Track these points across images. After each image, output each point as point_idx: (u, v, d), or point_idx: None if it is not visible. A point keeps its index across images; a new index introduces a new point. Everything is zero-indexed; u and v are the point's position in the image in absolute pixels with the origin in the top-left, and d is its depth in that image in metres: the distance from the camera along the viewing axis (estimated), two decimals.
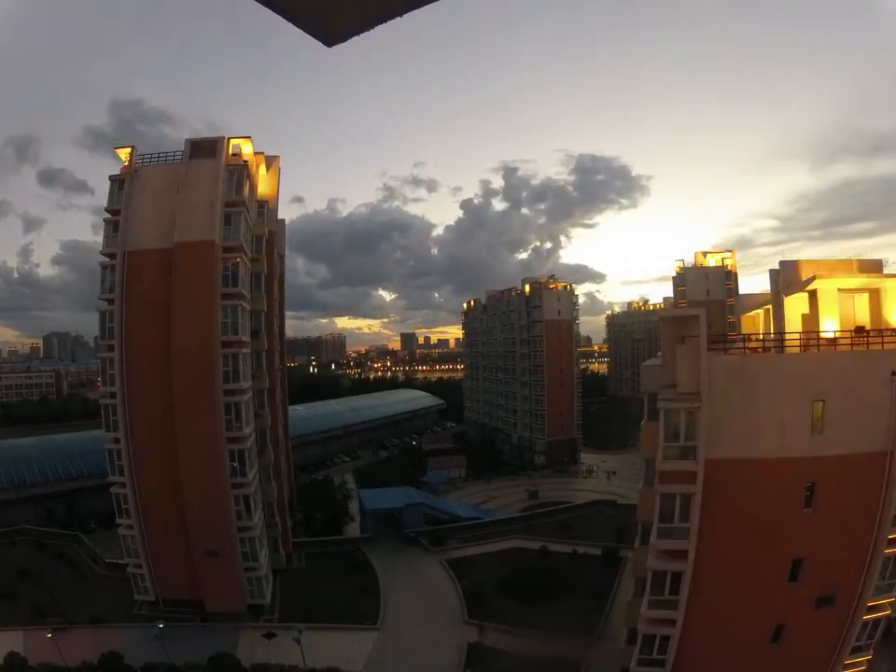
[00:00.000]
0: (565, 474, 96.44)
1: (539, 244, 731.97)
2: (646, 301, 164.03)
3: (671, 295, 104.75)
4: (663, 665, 28.07)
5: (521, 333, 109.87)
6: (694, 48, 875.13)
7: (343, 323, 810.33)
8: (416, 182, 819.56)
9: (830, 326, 30.40)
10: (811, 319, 31.93)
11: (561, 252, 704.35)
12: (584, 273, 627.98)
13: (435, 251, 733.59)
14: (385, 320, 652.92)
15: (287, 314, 64.43)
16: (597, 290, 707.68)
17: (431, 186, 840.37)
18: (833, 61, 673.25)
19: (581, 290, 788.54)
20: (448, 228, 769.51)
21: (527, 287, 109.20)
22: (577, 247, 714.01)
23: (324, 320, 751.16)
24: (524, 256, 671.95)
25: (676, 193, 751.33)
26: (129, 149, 44.82)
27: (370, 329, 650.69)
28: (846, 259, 36.35)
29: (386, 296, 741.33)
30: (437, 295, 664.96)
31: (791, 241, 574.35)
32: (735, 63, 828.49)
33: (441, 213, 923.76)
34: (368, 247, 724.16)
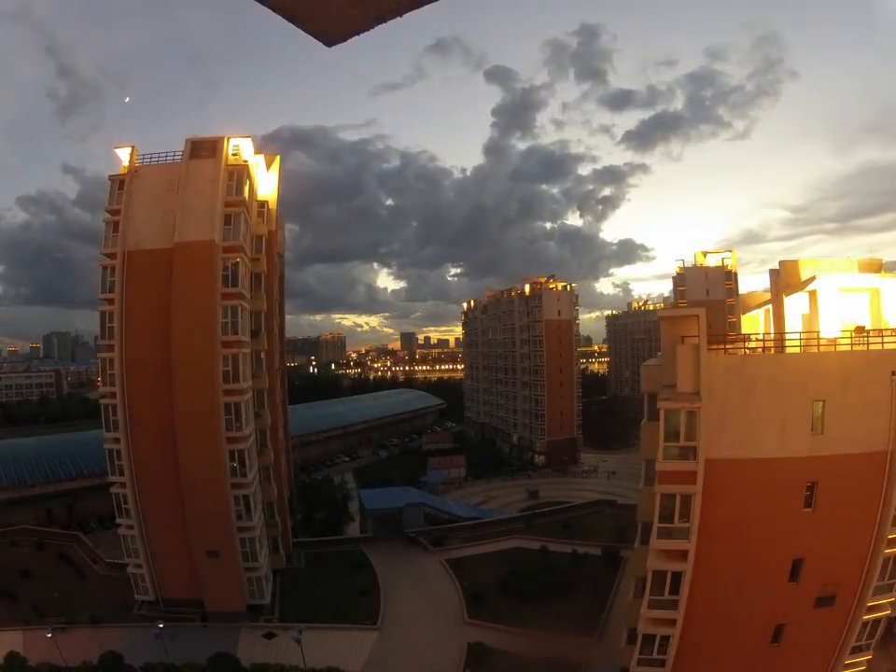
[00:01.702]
0: (565, 474, 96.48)
1: (591, 188, 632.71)
2: (646, 301, 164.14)
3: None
4: (663, 664, 28.04)
5: (521, 333, 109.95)
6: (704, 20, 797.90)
7: (339, 319, 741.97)
8: (441, 48, 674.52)
9: (830, 326, 30.40)
10: (811, 319, 31.92)
11: (612, 215, 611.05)
12: (627, 251, 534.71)
13: (451, 197, 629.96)
14: (386, 315, 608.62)
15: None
16: (639, 279, 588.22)
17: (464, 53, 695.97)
18: (863, 30, 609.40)
19: (621, 275, 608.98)
20: (475, 168, 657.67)
21: (527, 287, 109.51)
22: (634, 210, 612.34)
23: (318, 317, 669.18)
24: (558, 223, 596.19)
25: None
26: (129, 149, 44.84)
27: (367, 325, 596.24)
28: (846, 258, 36.42)
29: (383, 281, 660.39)
30: (449, 279, 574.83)
31: (805, 235, 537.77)
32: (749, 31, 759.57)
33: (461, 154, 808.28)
34: (357, 192, 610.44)
